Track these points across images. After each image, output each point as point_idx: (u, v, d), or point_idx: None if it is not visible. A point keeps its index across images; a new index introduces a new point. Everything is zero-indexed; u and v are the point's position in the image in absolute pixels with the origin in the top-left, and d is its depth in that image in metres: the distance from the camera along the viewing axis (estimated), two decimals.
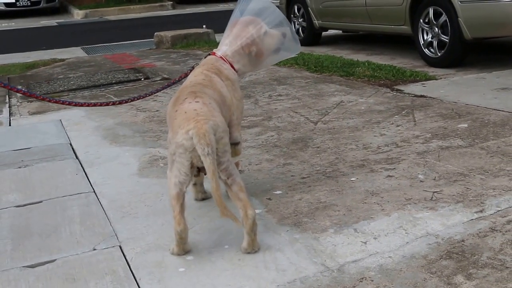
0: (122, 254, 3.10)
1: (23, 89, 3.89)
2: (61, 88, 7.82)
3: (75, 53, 12.29)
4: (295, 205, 3.55)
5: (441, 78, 6.82)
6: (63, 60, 10.92)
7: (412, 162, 4.11)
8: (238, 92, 3.46)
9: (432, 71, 7.26)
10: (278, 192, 3.77)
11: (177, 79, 3.87)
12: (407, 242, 2.99)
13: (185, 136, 2.83)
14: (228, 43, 3.55)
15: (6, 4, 23.40)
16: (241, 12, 3.61)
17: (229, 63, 3.50)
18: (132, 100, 3.96)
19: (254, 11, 3.58)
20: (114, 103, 3.86)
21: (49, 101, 3.71)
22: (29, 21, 21.98)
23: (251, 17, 3.55)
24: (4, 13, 23.50)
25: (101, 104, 3.80)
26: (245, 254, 2.99)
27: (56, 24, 20.77)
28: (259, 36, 3.52)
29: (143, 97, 3.97)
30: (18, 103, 7.05)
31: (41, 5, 23.82)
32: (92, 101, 3.78)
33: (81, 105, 3.82)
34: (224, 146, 2.92)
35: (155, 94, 6.82)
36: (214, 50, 3.58)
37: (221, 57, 3.51)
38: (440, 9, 7.22)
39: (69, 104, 3.88)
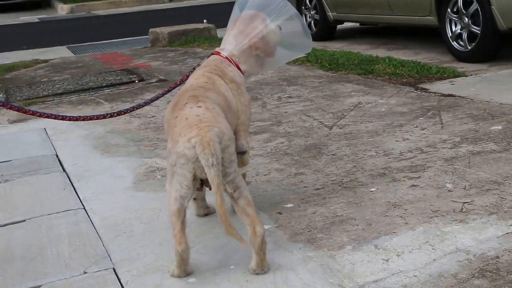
0: (116, 278, 3.12)
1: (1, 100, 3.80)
2: (44, 93, 7.86)
3: (60, 53, 12.34)
4: (309, 219, 3.57)
5: (471, 75, 6.84)
6: (46, 61, 10.96)
7: (439, 169, 4.13)
8: (245, 96, 3.49)
9: (461, 66, 7.28)
10: (289, 205, 3.80)
11: (178, 83, 3.87)
12: (434, 259, 3.01)
13: (187, 145, 2.85)
14: (232, 41, 3.58)
15: None
16: (242, 5, 3.63)
17: (235, 64, 3.53)
18: (130, 111, 3.94)
19: (257, 4, 3.61)
20: (112, 115, 3.85)
21: (33, 114, 3.64)
22: (7, 17, 22.04)
23: (255, 12, 3.58)
24: None
25: (97, 118, 3.78)
26: (254, 275, 3.01)
27: (38, 20, 20.83)
28: (268, 33, 3.56)
29: (143, 106, 3.95)
30: None
31: None
32: (87, 115, 3.76)
33: (76, 119, 3.78)
34: (231, 156, 2.95)
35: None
36: (218, 49, 3.61)
37: (226, 57, 3.54)
38: None
39: (62, 118, 3.78)
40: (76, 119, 3.73)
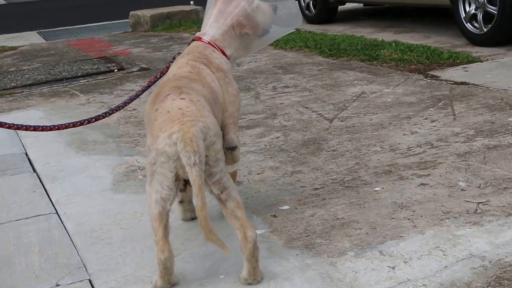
0: None
1: None
2: (12, 84, 7.86)
3: (29, 39, 12.34)
4: (306, 223, 3.58)
5: (487, 60, 6.86)
6: (14, 48, 10.97)
7: (451, 166, 4.14)
8: (232, 85, 3.49)
9: (476, 51, 7.30)
10: (285, 207, 3.81)
11: (158, 76, 3.82)
12: (446, 267, 3.01)
13: (168, 141, 2.84)
14: (213, 23, 3.57)
15: None
16: None
17: (219, 49, 3.53)
18: (109, 114, 3.84)
19: None
20: (90, 121, 3.77)
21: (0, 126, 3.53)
22: None
23: None
24: None
25: (74, 125, 3.70)
26: (246, 286, 3.01)
27: (4, 2, 20.83)
28: (253, 10, 3.56)
29: (126, 105, 3.87)
30: None
31: None
32: (63, 123, 3.70)
33: (50, 129, 3.68)
34: (217, 154, 2.94)
35: (132, 89, 6.87)
36: (199, 34, 3.60)
37: (209, 42, 3.54)
38: None
39: (34, 129, 3.66)
40: (50, 129, 3.67)
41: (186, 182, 3.01)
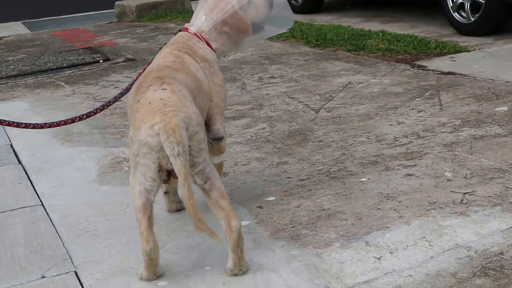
0: (78, 282, 3.12)
1: None
2: None
3: (14, 29, 12.32)
4: (292, 214, 3.59)
5: (474, 50, 6.88)
6: None
7: (437, 156, 4.16)
8: (218, 75, 3.50)
9: (463, 40, 7.32)
10: (271, 198, 3.82)
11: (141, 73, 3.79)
12: (432, 257, 3.03)
13: (150, 132, 2.84)
14: (203, 16, 3.58)
15: None
16: None
17: (205, 41, 3.53)
18: (101, 110, 3.82)
19: None
20: (81, 118, 3.75)
21: None
22: None
23: None
24: None
25: (65, 123, 3.70)
26: (231, 277, 3.02)
27: None
28: (242, 7, 3.56)
29: (117, 100, 3.84)
30: None
31: None
32: (54, 121, 3.70)
33: (41, 127, 3.68)
34: (199, 144, 2.94)
35: (117, 80, 6.87)
36: (186, 25, 3.62)
37: (195, 33, 3.54)
38: None
39: (25, 126, 3.65)
40: (41, 126, 3.66)
41: (169, 173, 3.02)
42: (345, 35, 8.09)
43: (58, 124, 3.67)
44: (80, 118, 3.71)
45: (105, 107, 3.80)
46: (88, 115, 3.72)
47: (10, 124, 3.54)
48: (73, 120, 3.70)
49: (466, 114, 4.85)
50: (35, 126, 3.64)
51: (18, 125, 3.56)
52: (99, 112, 3.80)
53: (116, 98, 3.80)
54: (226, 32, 3.57)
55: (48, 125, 3.65)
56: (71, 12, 14.02)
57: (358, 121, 4.96)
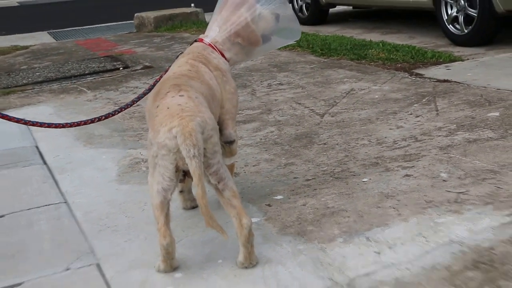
0: (100, 274, 3.14)
1: None
2: (24, 81, 7.87)
3: (41, 38, 12.33)
4: (299, 211, 3.60)
5: (468, 59, 6.87)
6: (26, 47, 10.95)
7: (433, 158, 4.16)
8: (230, 83, 3.51)
9: (457, 51, 7.31)
10: (279, 197, 3.83)
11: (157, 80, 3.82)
12: (427, 252, 3.03)
13: (168, 135, 2.86)
14: (217, 28, 3.60)
15: None
16: None
17: (219, 51, 3.55)
18: (119, 112, 3.85)
19: None
20: (100, 119, 3.77)
21: (18, 121, 3.56)
22: None
23: None
24: None
25: (85, 123, 3.73)
26: (242, 269, 3.03)
27: (17, 4, 20.79)
28: (253, 20, 3.58)
29: (134, 103, 3.87)
30: None
31: None
32: (75, 121, 3.72)
33: (63, 126, 3.71)
34: (214, 146, 2.96)
35: (136, 86, 6.89)
36: (201, 36, 3.63)
37: (209, 44, 3.56)
38: None
39: (48, 126, 3.67)
40: (63, 126, 3.69)
41: (185, 173, 3.04)
42: (348, 45, 8.08)
43: (78, 124, 3.70)
44: (99, 119, 3.74)
45: (123, 109, 3.84)
46: (106, 116, 3.75)
47: (34, 124, 3.57)
48: (92, 121, 3.73)
49: (460, 119, 4.85)
50: (57, 125, 3.67)
51: (41, 124, 3.58)
52: (117, 114, 3.83)
53: (133, 102, 3.83)
54: (238, 43, 3.59)
55: (69, 124, 3.68)
56: (93, 23, 14.03)
57: (360, 125, 4.96)
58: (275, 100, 5.96)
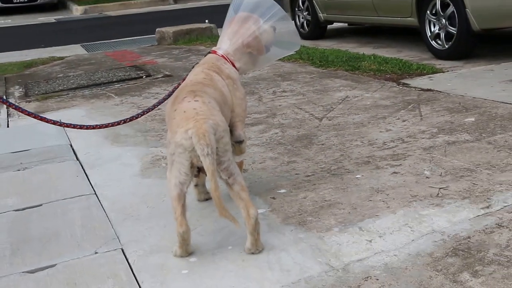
0: (124, 257, 3.14)
1: (15, 104, 3.78)
2: (60, 88, 7.87)
3: (74, 50, 12.33)
4: (300, 203, 3.59)
5: (448, 71, 6.84)
6: (62, 58, 10.95)
7: (418, 158, 4.14)
8: (240, 90, 3.50)
9: (439, 63, 7.28)
10: (282, 190, 3.81)
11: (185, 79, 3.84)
12: (413, 240, 3.03)
13: (184, 136, 2.87)
14: (227, 40, 3.60)
15: (2, 0, 23.31)
16: (236, 7, 3.65)
17: (230, 61, 3.54)
18: (141, 115, 3.89)
19: (250, 6, 3.62)
20: (125, 121, 3.81)
21: (54, 123, 3.63)
22: (26, 18, 21.99)
23: (248, 13, 3.60)
24: (0, 9, 23.41)
25: (112, 125, 3.76)
26: (249, 255, 3.03)
27: (54, 20, 20.80)
28: (260, 33, 3.57)
29: (155, 107, 3.89)
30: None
31: (38, 1, 23.67)
32: (103, 123, 3.76)
33: (93, 128, 3.75)
34: (225, 146, 2.96)
35: (157, 92, 6.87)
36: (214, 49, 3.63)
37: (222, 55, 3.55)
38: (448, 0, 7.23)
39: (80, 127, 3.72)
40: (93, 127, 3.74)
41: (200, 169, 3.03)
42: (344, 58, 8.05)
43: (106, 126, 3.75)
44: (124, 121, 3.81)
45: (145, 112, 3.88)
46: (131, 119, 3.80)
47: (68, 125, 3.61)
48: (118, 123, 3.78)
49: (441, 123, 4.83)
50: (88, 127, 3.74)
51: (74, 126, 3.67)
52: (140, 116, 3.90)
53: (155, 106, 3.85)
54: (247, 53, 3.59)
55: (98, 126, 3.75)
56: (120, 37, 14.03)
57: (354, 128, 4.94)
58: (279, 105, 5.94)
